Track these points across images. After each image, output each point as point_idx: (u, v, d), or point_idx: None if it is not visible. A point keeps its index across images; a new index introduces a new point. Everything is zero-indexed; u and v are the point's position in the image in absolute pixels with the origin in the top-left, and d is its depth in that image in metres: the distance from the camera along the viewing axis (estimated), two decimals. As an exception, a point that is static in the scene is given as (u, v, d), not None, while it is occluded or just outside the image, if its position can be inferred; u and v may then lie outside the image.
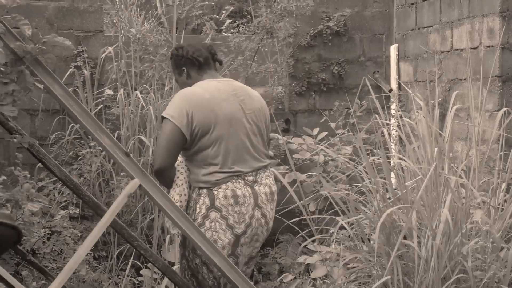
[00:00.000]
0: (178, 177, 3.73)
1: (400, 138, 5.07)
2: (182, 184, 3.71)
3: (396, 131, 5.31)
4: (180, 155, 3.73)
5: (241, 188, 3.66)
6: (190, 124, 3.58)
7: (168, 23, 7.01)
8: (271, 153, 4.01)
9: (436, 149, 3.77)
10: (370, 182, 4.10)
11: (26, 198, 2.98)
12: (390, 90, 6.75)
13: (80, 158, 5.72)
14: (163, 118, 3.65)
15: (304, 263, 5.24)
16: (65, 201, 5.43)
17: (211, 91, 3.69)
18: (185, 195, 3.70)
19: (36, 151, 3.32)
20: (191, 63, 3.85)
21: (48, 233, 4.80)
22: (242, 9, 9.30)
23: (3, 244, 1.13)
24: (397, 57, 6.87)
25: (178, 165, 3.74)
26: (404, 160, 4.14)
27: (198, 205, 3.65)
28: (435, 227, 3.72)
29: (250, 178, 3.70)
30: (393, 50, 6.91)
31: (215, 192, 3.64)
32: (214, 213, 3.61)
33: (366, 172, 4.25)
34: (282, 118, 6.81)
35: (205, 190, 3.65)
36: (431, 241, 3.67)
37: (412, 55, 6.63)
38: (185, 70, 3.88)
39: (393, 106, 6.50)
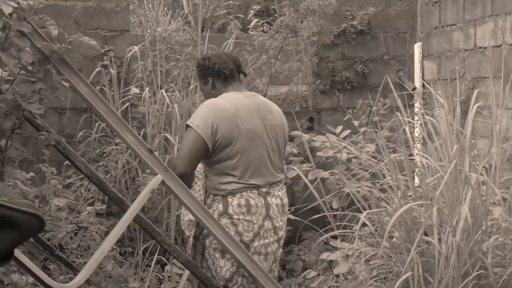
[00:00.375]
0: (196, 183, 3.79)
1: (423, 136, 5.09)
2: (199, 190, 3.78)
3: (419, 129, 5.33)
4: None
5: (254, 198, 3.73)
6: (214, 136, 3.64)
7: (195, 22, 7.08)
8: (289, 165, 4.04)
9: (456, 146, 3.80)
10: (391, 179, 4.14)
11: (52, 194, 3.07)
12: (414, 89, 6.77)
13: (106, 155, 5.81)
14: (187, 126, 3.70)
15: (326, 259, 5.31)
16: (91, 197, 5.53)
17: (236, 105, 3.74)
18: (201, 201, 3.75)
19: (62, 148, 3.40)
20: (217, 75, 3.89)
21: (75, 229, 4.89)
22: (269, 8, 9.36)
23: (27, 232, 1.19)
24: (421, 55, 6.89)
25: (197, 171, 3.80)
26: (426, 158, 4.18)
27: (211, 211, 3.70)
28: (455, 224, 3.75)
29: (264, 190, 3.77)
30: (417, 48, 6.92)
31: (229, 200, 3.71)
32: (225, 219, 3.66)
33: (387, 169, 4.30)
34: (306, 116, 6.85)
35: (219, 197, 3.73)
36: (451, 238, 3.70)
37: (435, 54, 6.65)
38: (210, 81, 3.92)
39: (416, 104, 6.52)
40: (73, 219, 5.00)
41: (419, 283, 3.82)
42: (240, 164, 3.69)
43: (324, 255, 5.20)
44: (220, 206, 3.71)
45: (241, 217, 3.69)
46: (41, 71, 2.76)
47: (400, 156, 4.29)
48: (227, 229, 3.56)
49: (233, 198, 3.72)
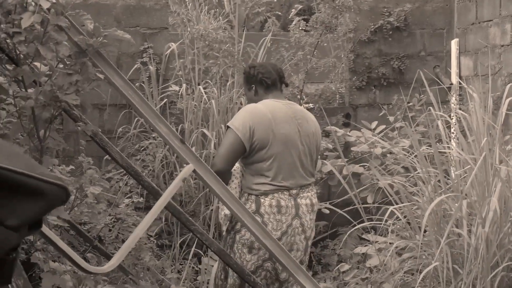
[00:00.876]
0: (232, 181, 4.01)
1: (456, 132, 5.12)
2: (235, 188, 4.00)
3: (454, 123, 5.34)
4: (237, 162, 4.02)
5: (285, 199, 3.95)
6: (251, 138, 3.89)
7: (234, 21, 7.18)
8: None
9: (485, 138, 3.83)
10: (422, 172, 4.18)
11: (89, 182, 3.19)
12: (451, 85, 6.78)
13: (143, 148, 5.94)
14: (228, 127, 3.96)
15: (360, 253, 5.36)
16: (130, 191, 5.67)
17: (274, 111, 3.99)
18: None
19: (99, 139, 3.53)
20: (260, 83, 4.17)
21: (113, 221, 5.02)
22: (310, 7, 9.43)
23: (52, 201, 1.30)
24: (458, 51, 6.89)
25: (234, 170, 4.00)
26: (457, 152, 4.21)
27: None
28: (485, 216, 3.78)
29: (294, 191, 3.98)
30: (454, 44, 6.93)
31: (262, 200, 3.93)
32: (257, 218, 3.77)
33: (419, 163, 4.34)
34: (343, 113, 6.91)
35: (253, 197, 3.95)
36: (481, 229, 3.74)
37: (472, 50, 6.65)
38: (253, 88, 4.20)
39: (452, 100, 6.53)
40: (111, 211, 5.13)
41: (448, 274, 3.86)
42: (273, 166, 3.92)
43: (358, 249, 5.26)
44: (253, 206, 3.93)
45: (272, 216, 3.91)
46: (78, 64, 2.87)
47: (431, 150, 4.33)
48: None
49: (265, 198, 3.93)
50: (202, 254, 5.71)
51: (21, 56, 2.90)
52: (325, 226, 6.66)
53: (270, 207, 3.91)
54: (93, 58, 2.94)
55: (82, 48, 2.89)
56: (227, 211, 3.95)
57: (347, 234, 4.91)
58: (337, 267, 5.45)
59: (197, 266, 5.66)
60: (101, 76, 2.92)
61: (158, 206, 2.90)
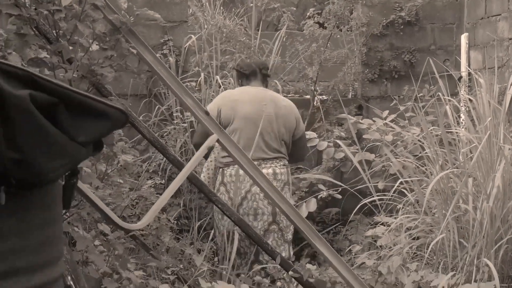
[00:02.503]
0: (210, 156, 4.79)
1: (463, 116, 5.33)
2: (211, 161, 4.86)
3: (461, 107, 5.55)
4: None
5: None
6: (218, 117, 4.72)
7: (248, 20, 7.43)
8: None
9: (489, 118, 4.06)
10: (430, 152, 4.41)
11: (120, 151, 3.44)
12: (460, 78, 6.99)
13: (166, 134, 6.19)
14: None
15: (371, 236, 5.58)
16: (150, 177, 5.92)
17: (242, 94, 4.89)
18: (208, 168, 4.95)
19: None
20: (242, 75, 5.04)
21: (136, 201, 5.27)
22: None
23: (115, 123, 1.53)
24: (467, 45, 7.11)
25: (216, 146, 4.48)
26: (464, 132, 4.44)
27: (217, 181, 4.71)
28: (489, 192, 4.01)
29: (256, 163, 4.24)
30: (464, 39, 7.15)
31: (225, 171, 4.72)
32: (222, 187, 4.69)
33: (427, 145, 4.57)
34: (355, 104, 7.14)
35: (220, 169, 4.77)
36: (486, 204, 3.96)
37: (481, 43, 6.87)
38: (240, 80, 5.09)
39: (461, 92, 6.74)
40: (134, 192, 5.39)
41: (455, 247, 4.09)
42: (234, 140, 4.39)
43: (369, 232, 5.48)
44: (219, 177, 4.74)
45: (232, 185, 4.65)
46: (112, 40, 3.13)
47: (439, 131, 4.56)
48: (223, 195, 4.63)
49: (227, 169, 4.72)
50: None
51: (60, 33, 3.16)
52: (336, 213, 6.88)
53: (230, 177, 4.67)
54: (126, 35, 3.19)
55: (116, 25, 3.14)
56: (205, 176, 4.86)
57: (359, 205, 5.12)
58: (348, 248, 5.66)
59: (214, 247, 5.89)
60: (134, 51, 3.17)
61: (184, 173, 3.14)
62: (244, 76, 5.02)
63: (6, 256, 1.50)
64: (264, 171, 4.48)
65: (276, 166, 4.72)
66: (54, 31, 3.10)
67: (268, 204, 4.59)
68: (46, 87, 1.42)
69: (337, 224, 6.82)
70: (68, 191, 1.72)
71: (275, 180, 4.67)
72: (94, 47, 3.18)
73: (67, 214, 3.65)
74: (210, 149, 4.35)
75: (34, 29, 3.10)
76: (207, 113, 3.29)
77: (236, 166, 4.49)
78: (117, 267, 3.73)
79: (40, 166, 1.43)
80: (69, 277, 3.04)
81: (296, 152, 5.02)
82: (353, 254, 5.63)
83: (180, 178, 3.14)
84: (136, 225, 3.03)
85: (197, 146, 4.52)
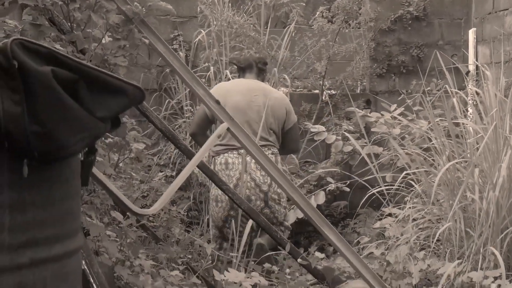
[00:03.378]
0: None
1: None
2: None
3: (468, 99, 5.59)
4: None
5: (232, 157, 4.92)
6: None
7: (257, 18, 7.50)
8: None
9: (495, 108, 4.12)
10: (437, 143, 4.47)
11: (133, 140, 3.52)
12: (468, 72, 7.04)
13: (177, 127, 6.27)
14: None
15: (379, 228, 5.64)
16: (160, 170, 6.01)
17: (234, 85, 5.21)
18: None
19: (140, 106, 3.86)
20: (239, 69, 5.34)
21: (147, 193, 5.35)
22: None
23: (132, 100, 1.60)
24: (475, 40, 7.16)
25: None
26: (470, 123, 4.50)
27: None
28: (495, 181, 4.06)
29: (243, 151, 4.68)
30: (471, 34, 7.20)
31: (216, 160, 4.95)
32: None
33: (434, 136, 4.63)
34: (363, 99, 7.20)
35: (212, 158, 5.01)
36: (492, 193, 4.02)
37: (488, 38, 6.92)
38: (238, 73, 5.41)
39: (469, 85, 6.79)
40: (146, 184, 5.47)
41: (461, 236, 4.15)
42: (223, 126, 4.73)
43: (377, 224, 5.54)
44: (212, 166, 4.89)
45: (223, 172, 4.85)
46: (125, 30, 3.20)
47: (446, 123, 4.61)
48: None
49: (218, 158, 4.94)
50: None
51: (74, 24, 3.23)
52: (344, 206, 6.95)
53: (220, 165, 4.88)
54: (139, 26, 3.26)
55: (129, 16, 3.21)
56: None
57: (368, 193, 5.18)
58: (356, 240, 5.72)
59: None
60: (146, 41, 3.24)
61: (196, 159, 3.21)
62: (241, 69, 5.29)
63: (27, 227, 1.58)
64: (252, 160, 4.65)
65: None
66: (68, 22, 3.18)
67: (259, 192, 4.81)
68: (67, 64, 1.49)
69: (345, 218, 6.88)
70: (86, 168, 1.80)
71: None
72: (107, 38, 3.27)
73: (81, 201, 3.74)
74: (202, 138, 4.84)
75: (48, 20, 3.18)
76: (217, 103, 3.36)
77: (225, 154, 4.87)
78: (129, 254, 3.81)
79: (62, 140, 1.50)
80: (83, 262, 3.12)
81: (287, 143, 5.20)
82: (361, 245, 5.70)
83: (190, 166, 3.21)
84: (148, 210, 3.10)
85: (193, 136, 5.20)
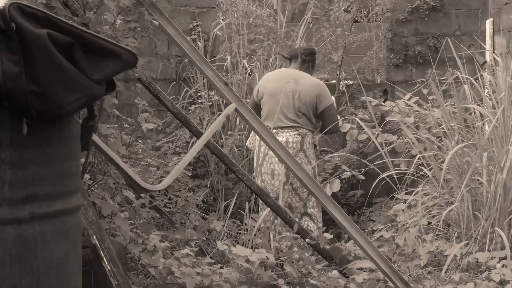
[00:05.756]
0: None
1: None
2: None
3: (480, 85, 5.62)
4: None
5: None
6: (257, 94, 5.68)
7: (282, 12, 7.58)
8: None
9: (503, 93, 4.16)
10: (446, 128, 4.53)
11: (144, 120, 3.62)
12: (484, 62, 7.06)
13: (190, 112, 6.37)
14: None
15: (393, 214, 5.69)
16: (178, 152, 6.14)
17: (275, 74, 5.82)
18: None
19: (153, 88, 3.97)
20: (285, 59, 6.04)
21: (163, 178, 5.46)
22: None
23: (126, 63, 1.69)
24: (492, 31, 7.17)
25: None
26: (480, 107, 4.54)
27: None
28: (503, 165, 4.11)
29: (274, 131, 5.30)
30: (488, 24, 7.21)
31: (256, 137, 5.44)
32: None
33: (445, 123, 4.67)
34: (380, 88, 7.26)
35: (302, 138, 5.54)
36: (499, 176, 4.07)
37: (505, 28, 6.93)
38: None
39: (485, 74, 6.81)
40: (161, 170, 5.58)
41: (469, 219, 4.20)
42: (263, 111, 5.60)
43: (390, 211, 5.60)
44: (301, 145, 5.52)
45: (257, 149, 5.54)
46: (136, 13, 3.31)
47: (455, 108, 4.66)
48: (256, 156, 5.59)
49: (257, 136, 5.07)
50: (244, 214, 6.09)
51: (85, 9, 3.34)
52: (361, 196, 7.00)
53: (256, 142, 5.52)
54: (149, 9, 3.36)
55: (140, -1, 3.31)
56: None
57: (378, 178, 5.25)
58: (370, 227, 5.78)
59: (239, 226, 6.05)
60: (155, 22, 3.34)
61: (205, 137, 3.30)
62: (288, 60, 5.87)
63: (27, 182, 1.68)
64: (279, 138, 5.10)
65: (290, 135, 5.47)
66: (81, 5, 3.28)
67: (312, 168, 5.41)
68: (63, 28, 1.58)
69: (361, 207, 6.94)
70: (86, 133, 1.89)
71: (287, 147, 5.17)
72: (118, 22, 3.37)
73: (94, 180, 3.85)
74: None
75: (62, 3, 3.28)
76: (226, 84, 3.45)
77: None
78: (142, 233, 3.91)
79: (58, 99, 1.60)
80: (94, 237, 3.23)
81: (324, 123, 5.67)
82: (373, 230, 5.76)
83: (199, 144, 3.29)
84: (157, 186, 3.20)
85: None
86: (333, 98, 5.89)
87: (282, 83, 5.56)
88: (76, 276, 1.92)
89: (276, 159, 5.07)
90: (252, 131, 5.46)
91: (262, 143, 5.14)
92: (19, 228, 1.67)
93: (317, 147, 6.08)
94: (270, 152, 5.11)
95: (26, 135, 1.64)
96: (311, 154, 5.60)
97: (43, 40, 1.52)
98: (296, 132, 5.52)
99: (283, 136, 5.47)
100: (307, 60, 5.77)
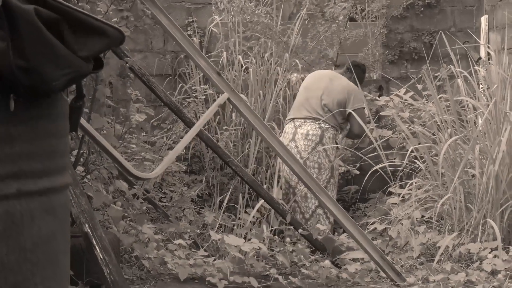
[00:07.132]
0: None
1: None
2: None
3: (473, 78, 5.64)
4: None
5: (289, 127, 5.84)
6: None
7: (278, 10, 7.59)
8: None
9: (496, 85, 4.18)
10: (439, 120, 4.54)
11: (136, 111, 3.64)
12: (479, 59, 7.08)
13: (184, 106, 6.38)
14: None
15: (387, 207, 5.71)
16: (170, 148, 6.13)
17: (318, 73, 6.23)
18: None
19: (146, 79, 3.98)
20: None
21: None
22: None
23: (113, 40, 1.70)
24: (487, 27, 7.19)
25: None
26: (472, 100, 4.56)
27: None
28: (495, 156, 4.13)
29: (298, 123, 5.76)
30: (483, 21, 7.23)
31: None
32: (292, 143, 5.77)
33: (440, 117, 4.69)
34: (375, 84, 7.27)
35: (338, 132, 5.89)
36: (491, 168, 4.09)
37: (500, 25, 6.95)
38: None
39: (479, 69, 6.83)
40: (156, 164, 5.59)
41: (461, 211, 4.22)
42: (295, 101, 6.03)
43: (385, 206, 5.61)
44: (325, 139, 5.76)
45: (281, 139, 5.43)
46: (128, 1, 3.32)
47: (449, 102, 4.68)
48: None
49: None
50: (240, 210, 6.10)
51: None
52: (356, 191, 7.01)
53: (281, 133, 5.90)
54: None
55: (133, -12, 3.33)
56: None
57: (372, 170, 5.27)
58: (365, 221, 5.80)
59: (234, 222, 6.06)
60: (148, 11, 3.35)
61: (197, 126, 3.32)
62: (336, 66, 6.80)
63: (15, 159, 1.68)
64: (300, 130, 5.70)
65: (311, 128, 5.71)
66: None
67: (329, 161, 5.65)
68: (50, 4, 1.60)
69: (357, 202, 6.95)
70: (75, 113, 1.90)
71: (306, 139, 5.71)
72: (111, 13, 3.38)
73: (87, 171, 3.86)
74: None
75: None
76: (218, 74, 3.46)
77: (287, 125, 5.86)
78: (135, 223, 3.92)
79: (46, 74, 1.61)
80: (86, 225, 3.24)
81: (350, 126, 5.89)
82: (367, 223, 5.78)
83: (191, 133, 3.31)
84: (150, 174, 3.21)
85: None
86: (365, 105, 6.00)
87: (317, 80, 5.98)
88: (64, 255, 1.93)
89: (325, 153, 5.55)
90: None
91: (285, 135, 5.71)
92: (6, 204, 1.68)
93: (339, 147, 6.07)
94: (290, 144, 5.58)
95: (13, 111, 1.64)
96: (330, 149, 5.73)
97: (30, 16, 1.54)
98: (317, 125, 5.74)
99: (304, 128, 5.75)
100: (351, 70, 6.05)
